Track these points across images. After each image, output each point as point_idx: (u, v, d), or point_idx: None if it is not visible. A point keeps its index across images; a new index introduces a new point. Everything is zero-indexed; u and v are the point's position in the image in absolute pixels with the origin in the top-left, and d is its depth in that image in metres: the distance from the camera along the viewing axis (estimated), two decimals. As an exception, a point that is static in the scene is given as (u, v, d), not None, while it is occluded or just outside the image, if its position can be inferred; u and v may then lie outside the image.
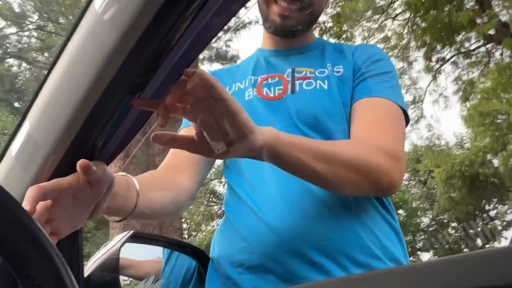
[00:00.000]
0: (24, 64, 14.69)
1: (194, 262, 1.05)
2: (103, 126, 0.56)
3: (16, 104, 15.28)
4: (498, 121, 14.94)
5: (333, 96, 0.96)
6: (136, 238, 0.97)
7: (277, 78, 1.03)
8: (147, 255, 1.07)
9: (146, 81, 0.56)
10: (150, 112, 0.66)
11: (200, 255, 1.06)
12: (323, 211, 0.88)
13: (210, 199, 17.77)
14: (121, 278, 0.94)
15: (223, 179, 17.71)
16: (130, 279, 1.02)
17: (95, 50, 0.51)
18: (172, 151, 1.03)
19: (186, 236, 17.27)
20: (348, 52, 1.04)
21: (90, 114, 0.54)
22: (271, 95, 1.00)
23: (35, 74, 14.17)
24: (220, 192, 17.88)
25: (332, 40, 8.52)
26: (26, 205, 0.54)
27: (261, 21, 1.07)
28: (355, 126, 0.93)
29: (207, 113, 0.63)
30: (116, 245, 0.89)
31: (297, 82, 1.00)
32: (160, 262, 1.07)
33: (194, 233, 18.20)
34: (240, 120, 0.64)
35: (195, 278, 1.05)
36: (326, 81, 0.99)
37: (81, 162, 0.58)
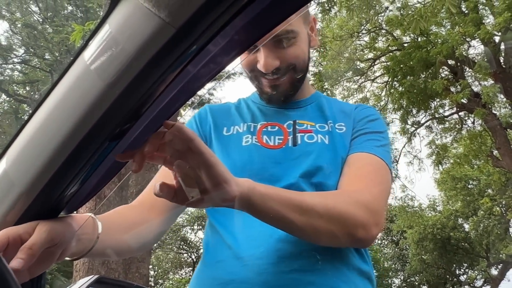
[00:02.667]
0: (3, 96, 14.52)
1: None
2: (79, 170, 0.57)
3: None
4: (470, 186, 15.31)
5: (335, 151, 0.99)
6: (100, 283, 0.95)
7: (276, 127, 1.05)
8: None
9: (127, 129, 0.58)
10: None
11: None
12: (305, 256, 0.87)
13: (181, 247, 17.31)
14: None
15: (195, 226, 17.36)
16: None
17: (80, 97, 0.53)
18: (149, 188, 1.02)
19: (153, 284, 16.63)
20: (349, 111, 1.08)
21: (68, 158, 0.55)
22: (271, 143, 1.02)
23: (13, 107, 13.99)
24: (192, 240, 17.47)
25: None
26: None
27: (244, 73, 1.08)
28: (341, 178, 0.95)
29: (184, 161, 0.65)
30: (79, 290, 0.87)
31: (298, 135, 1.02)
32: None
33: (160, 281, 17.55)
34: (216, 172, 0.66)
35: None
36: (327, 136, 1.02)
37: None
